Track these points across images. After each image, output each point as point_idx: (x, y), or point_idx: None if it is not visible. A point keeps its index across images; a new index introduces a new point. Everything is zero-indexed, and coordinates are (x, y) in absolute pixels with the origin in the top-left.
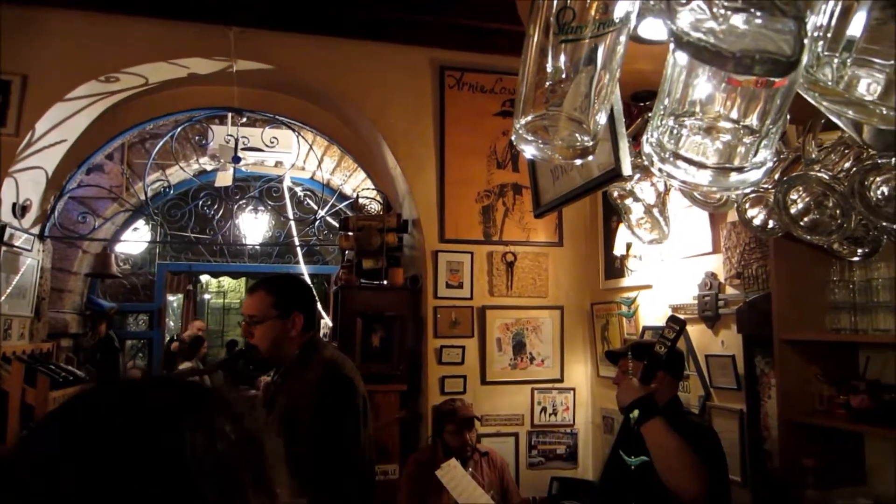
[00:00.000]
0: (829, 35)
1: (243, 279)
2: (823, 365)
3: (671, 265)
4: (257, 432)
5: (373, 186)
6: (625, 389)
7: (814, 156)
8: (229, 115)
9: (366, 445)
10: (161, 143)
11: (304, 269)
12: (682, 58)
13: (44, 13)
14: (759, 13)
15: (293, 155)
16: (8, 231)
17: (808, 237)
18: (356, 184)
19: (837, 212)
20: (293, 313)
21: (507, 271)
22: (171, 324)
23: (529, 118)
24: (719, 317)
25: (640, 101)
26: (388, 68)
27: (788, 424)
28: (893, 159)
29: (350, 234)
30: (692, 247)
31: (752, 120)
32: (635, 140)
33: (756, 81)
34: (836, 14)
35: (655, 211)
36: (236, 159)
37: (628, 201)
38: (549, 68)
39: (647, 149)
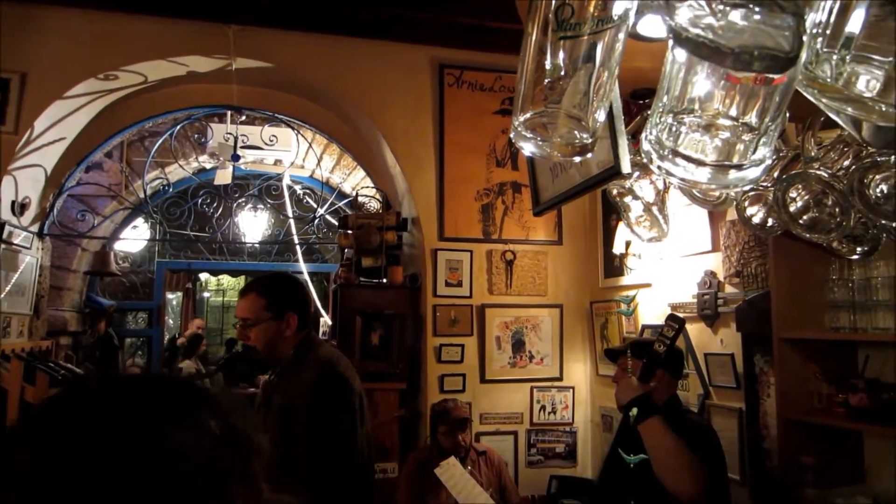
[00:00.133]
0: (828, 31)
1: (242, 277)
2: (823, 363)
3: (670, 263)
4: (244, 428)
5: (372, 185)
6: (623, 388)
7: (813, 153)
8: (228, 113)
9: (363, 443)
10: (160, 141)
11: (303, 268)
12: (680, 55)
13: (43, 11)
14: (757, 9)
15: (292, 153)
16: (7, 229)
17: (808, 235)
18: (355, 182)
19: (836, 210)
20: (287, 314)
21: (507, 270)
22: (171, 322)
23: (528, 115)
24: (718, 315)
25: (640, 98)
26: (388, 66)
27: (787, 423)
28: (893, 157)
29: (349, 232)
30: (691, 245)
31: (751, 117)
32: (634, 137)
33: (755, 78)
34: (836, 10)
35: (654, 209)
36: (235, 157)
37: (627, 199)
38: (547, 65)
39: (646, 146)
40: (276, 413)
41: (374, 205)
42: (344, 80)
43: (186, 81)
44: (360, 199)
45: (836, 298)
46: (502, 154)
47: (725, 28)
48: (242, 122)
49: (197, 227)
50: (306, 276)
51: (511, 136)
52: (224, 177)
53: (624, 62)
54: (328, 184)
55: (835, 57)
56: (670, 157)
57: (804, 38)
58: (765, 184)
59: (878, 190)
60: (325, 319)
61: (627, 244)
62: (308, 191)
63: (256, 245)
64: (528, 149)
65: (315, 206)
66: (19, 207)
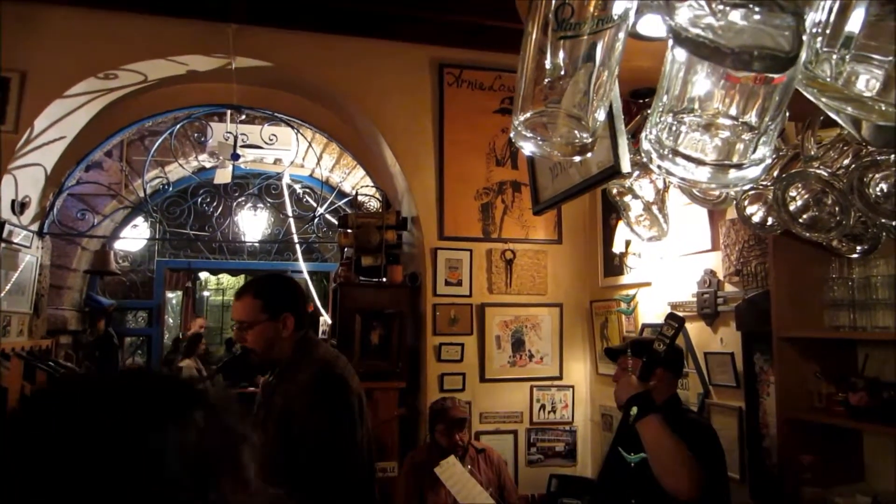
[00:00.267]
0: (827, 31)
1: (242, 276)
2: (822, 362)
3: (670, 262)
4: (230, 420)
5: (372, 184)
6: (623, 386)
7: (813, 153)
8: (228, 112)
9: (363, 443)
10: (160, 141)
11: (303, 267)
12: (680, 54)
13: (42, 10)
14: (757, 9)
15: (292, 152)
16: (7, 228)
17: (807, 234)
18: (355, 181)
19: (836, 209)
20: (283, 314)
21: (507, 269)
22: (171, 321)
23: (528, 115)
24: (718, 314)
25: (640, 98)
26: (388, 66)
27: (787, 422)
28: (892, 156)
29: (349, 231)
30: (691, 244)
31: (751, 116)
32: (634, 137)
33: (755, 78)
34: (835, 10)
35: (654, 208)
36: (235, 156)
37: (627, 198)
38: (547, 65)
39: (645, 145)
40: (276, 414)
41: (374, 204)
42: (344, 79)
43: (186, 80)
44: (359, 198)
45: (835, 297)
46: (502, 153)
47: (725, 28)
48: (242, 122)
49: (197, 226)
50: (306, 276)
51: (511, 135)
52: (224, 176)
53: (624, 62)
54: (328, 183)
55: (835, 56)
56: (670, 156)
57: (804, 38)
58: (765, 183)
59: (877, 189)
60: (325, 318)
61: (627, 243)
62: (308, 190)
63: (256, 244)
64: (528, 148)
65: (315, 205)
66: (19, 206)
